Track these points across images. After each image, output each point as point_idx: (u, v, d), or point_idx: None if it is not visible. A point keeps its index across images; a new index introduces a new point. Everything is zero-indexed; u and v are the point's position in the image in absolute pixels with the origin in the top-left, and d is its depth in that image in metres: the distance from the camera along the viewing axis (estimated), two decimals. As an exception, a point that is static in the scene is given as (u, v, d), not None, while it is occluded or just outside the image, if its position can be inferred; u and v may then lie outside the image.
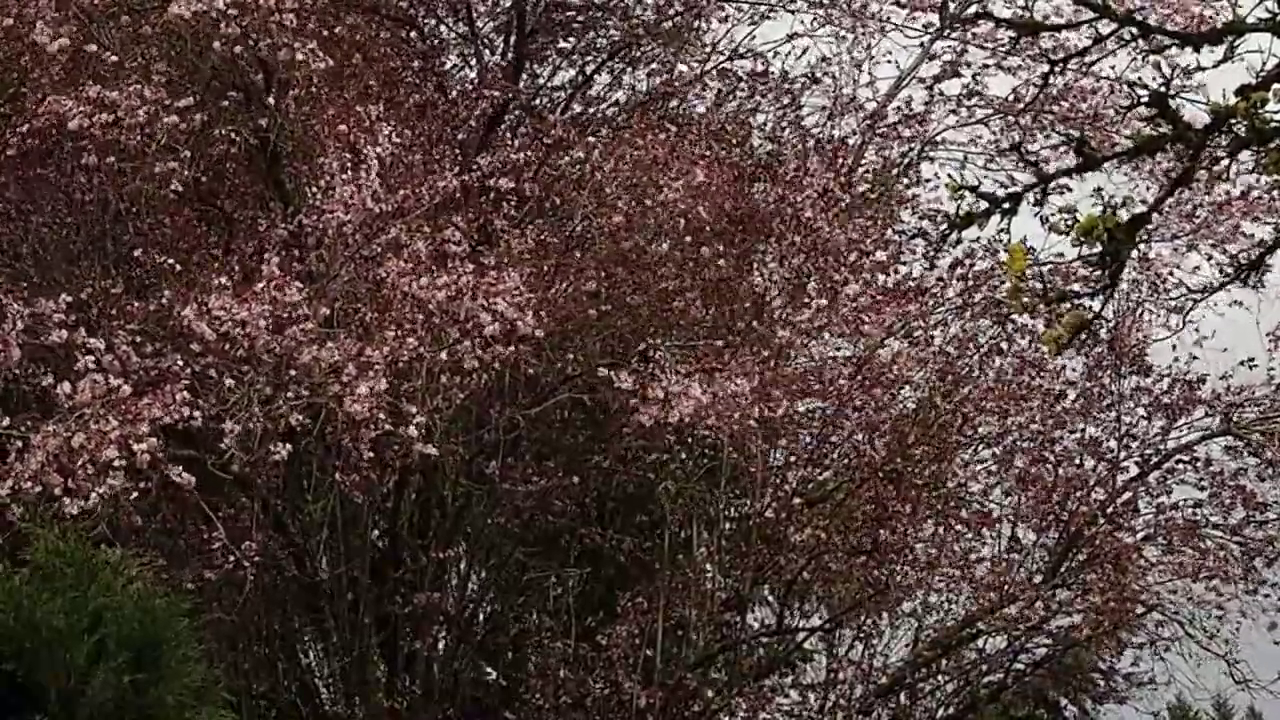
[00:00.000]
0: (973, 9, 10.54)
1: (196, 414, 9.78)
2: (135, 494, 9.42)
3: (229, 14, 10.24)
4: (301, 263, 10.81)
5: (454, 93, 13.57)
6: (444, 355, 10.25)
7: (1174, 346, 13.74)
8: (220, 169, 11.91)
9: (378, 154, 10.83)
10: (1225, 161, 6.68)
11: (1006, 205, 6.84)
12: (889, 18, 14.05)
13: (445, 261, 10.60)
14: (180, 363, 10.02)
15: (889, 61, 14.64)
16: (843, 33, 14.33)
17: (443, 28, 14.24)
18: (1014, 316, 13.50)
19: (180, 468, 9.81)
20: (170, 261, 10.90)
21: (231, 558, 10.62)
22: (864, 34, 14.33)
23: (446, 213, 11.32)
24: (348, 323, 10.41)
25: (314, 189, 11.19)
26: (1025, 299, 6.69)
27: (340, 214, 10.65)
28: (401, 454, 10.47)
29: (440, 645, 13.59)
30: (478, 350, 10.26)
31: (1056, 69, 7.37)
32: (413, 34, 13.40)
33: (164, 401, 9.59)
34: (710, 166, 12.11)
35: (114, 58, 10.44)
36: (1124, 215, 6.51)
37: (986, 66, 13.88)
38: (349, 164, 10.80)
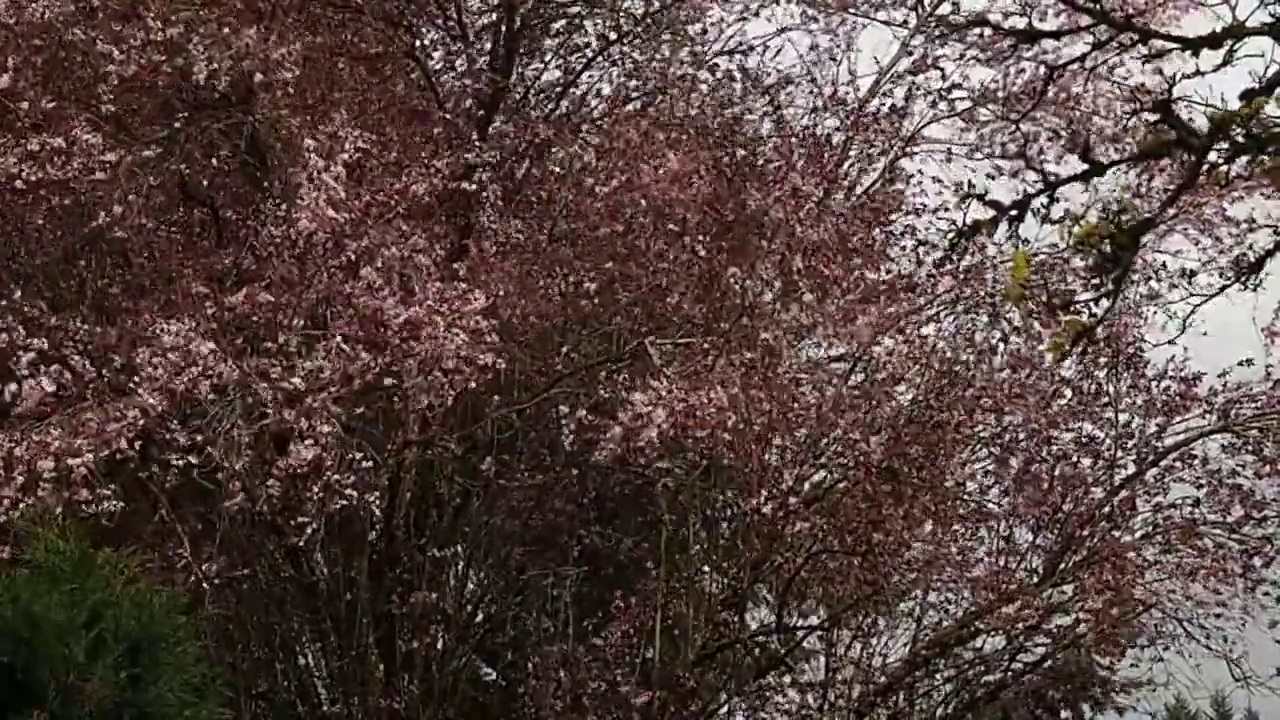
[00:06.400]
0: (967, 13, 10.49)
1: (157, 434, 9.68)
2: (63, 508, 9.20)
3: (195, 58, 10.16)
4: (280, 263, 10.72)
5: (441, 90, 13.49)
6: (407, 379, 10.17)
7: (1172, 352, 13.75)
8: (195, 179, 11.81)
9: (344, 160, 10.63)
10: (1225, 168, 6.66)
11: (1014, 212, 6.81)
12: (869, 13, 14.01)
13: (415, 274, 10.47)
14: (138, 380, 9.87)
15: (873, 58, 14.64)
16: (828, 29, 14.33)
17: (428, 28, 14.14)
18: (1007, 315, 13.49)
19: (110, 493, 9.64)
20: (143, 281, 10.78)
21: (193, 577, 10.45)
22: (847, 30, 14.34)
23: (424, 217, 11.17)
24: (320, 338, 10.28)
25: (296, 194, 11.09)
26: (1030, 305, 6.67)
27: (305, 221, 10.42)
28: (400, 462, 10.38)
29: (439, 645, 13.58)
30: (443, 385, 10.14)
31: (1056, 75, 7.36)
32: (398, 31, 13.30)
33: (114, 417, 9.47)
34: (687, 153, 12.00)
35: (52, 103, 10.30)
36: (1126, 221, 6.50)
37: (962, 58, 13.79)
38: (318, 170, 10.60)
